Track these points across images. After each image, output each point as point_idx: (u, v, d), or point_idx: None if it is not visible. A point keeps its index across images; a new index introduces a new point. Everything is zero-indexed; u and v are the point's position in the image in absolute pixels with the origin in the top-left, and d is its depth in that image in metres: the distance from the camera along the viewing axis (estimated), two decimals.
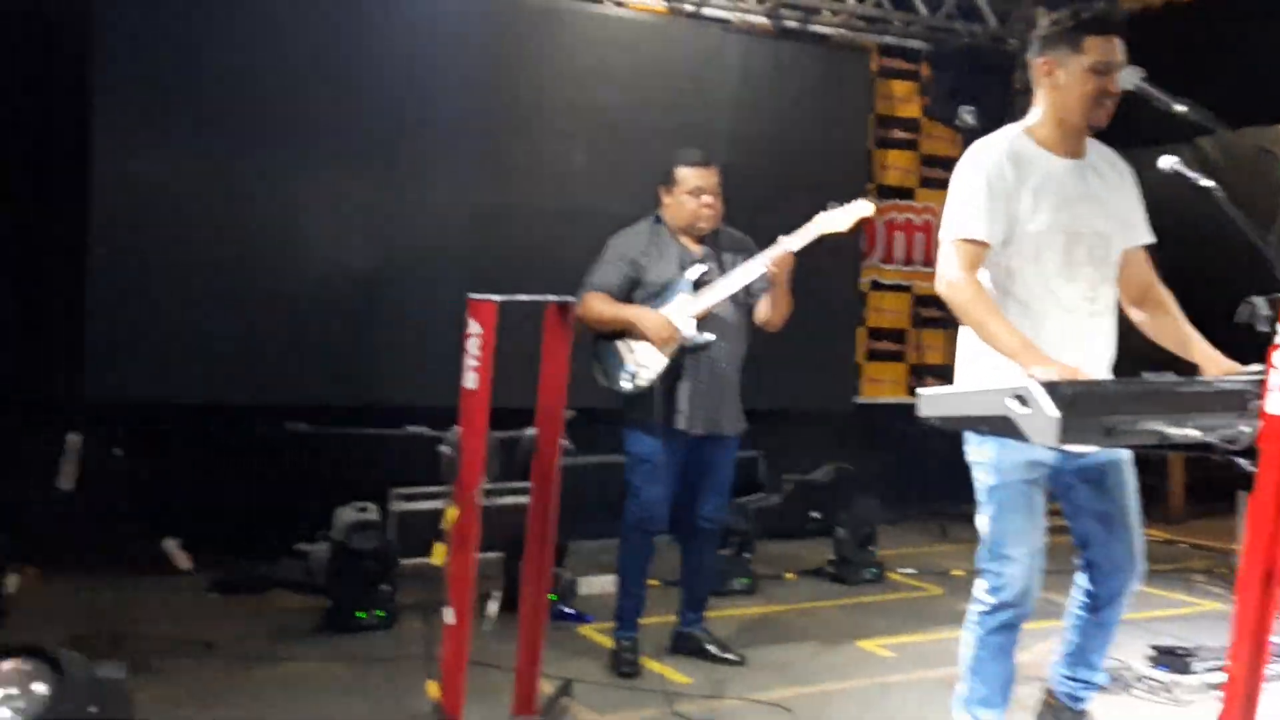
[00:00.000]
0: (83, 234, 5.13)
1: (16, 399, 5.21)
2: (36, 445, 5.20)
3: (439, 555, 3.10)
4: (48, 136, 5.17)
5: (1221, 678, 2.42)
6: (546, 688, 3.67)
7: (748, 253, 4.10)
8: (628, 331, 4.03)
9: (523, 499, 4.54)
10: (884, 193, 7.28)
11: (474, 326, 3.07)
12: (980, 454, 2.94)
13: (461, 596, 3.07)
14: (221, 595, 5.07)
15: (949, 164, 7.81)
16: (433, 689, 3.09)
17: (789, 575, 5.65)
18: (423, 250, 5.74)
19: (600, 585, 5.18)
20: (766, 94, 6.60)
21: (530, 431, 3.28)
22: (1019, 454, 2.84)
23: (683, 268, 4.08)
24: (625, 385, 4.03)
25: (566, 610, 4.71)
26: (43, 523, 5.04)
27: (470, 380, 3.07)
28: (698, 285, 4.04)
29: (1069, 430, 2.18)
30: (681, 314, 3.99)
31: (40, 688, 2.73)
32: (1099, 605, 3.03)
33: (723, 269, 4.08)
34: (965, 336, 2.99)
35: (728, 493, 4.34)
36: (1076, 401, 2.18)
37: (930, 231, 7.39)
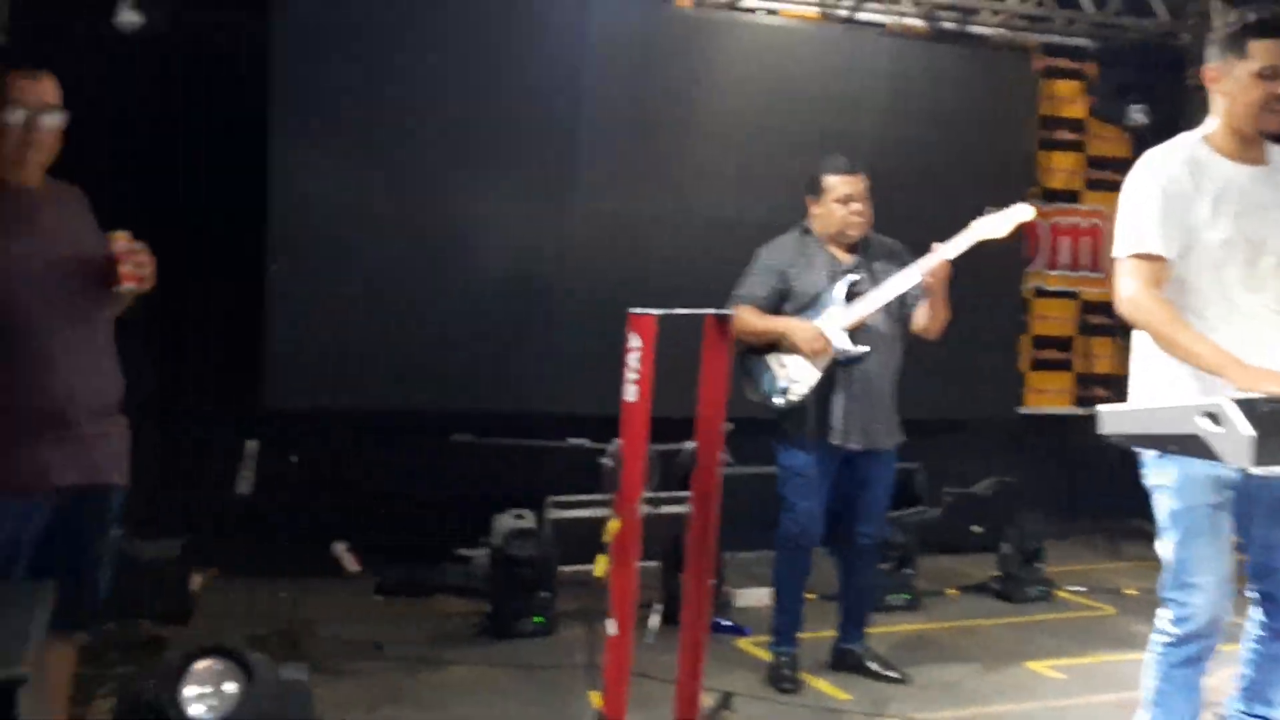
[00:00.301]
0: (261, 248, 5.37)
1: (199, 408, 5.50)
2: (217, 452, 5.47)
3: (600, 566, 3.13)
4: (228, 155, 5.43)
5: None
6: (705, 700, 3.67)
7: (900, 261, 4.02)
8: (778, 344, 3.98)
9: (680, 509, 4.58)
10: (1049, 196, 7.03)
11: (634, 340, 3.09)
12: (1161, 476, 2.79)
13: (624, 608, 3.10)
14: (387, 598, 5.23)
15: (1117, 165, 7.56)
16: (595, 699, 3.12)
17: (951, 591, 5.50)
18: (580, 260, 5.81)
19: (757, 598, 5.14)
20: (923, 98, 6.45)
21: (690, 444, 3.29)
22: (1203, 475, 2.69)
23: (832, 278, 4.02)
24: (777, 400, 3.99)
25: (723, 623, 4.69)
26: (222, 526, 5.29)
27: (630, 393, 3.09)
28: (849, 296, 3.97)
29: (1266, 451, 2.06)
30: (833, 325, 3.93)
31: (231, 687, 2.86)
32: (1273, 639, 2.85)
33: (874, 278, 3.99)
34: (1139, 348, 2.85)
35: (886, 507, 4.26)
36: (1274, 420, 2.06)
37: (1099, 236, 7.10)
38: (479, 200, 5.71)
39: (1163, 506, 2.80)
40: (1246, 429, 2.06)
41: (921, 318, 3.99)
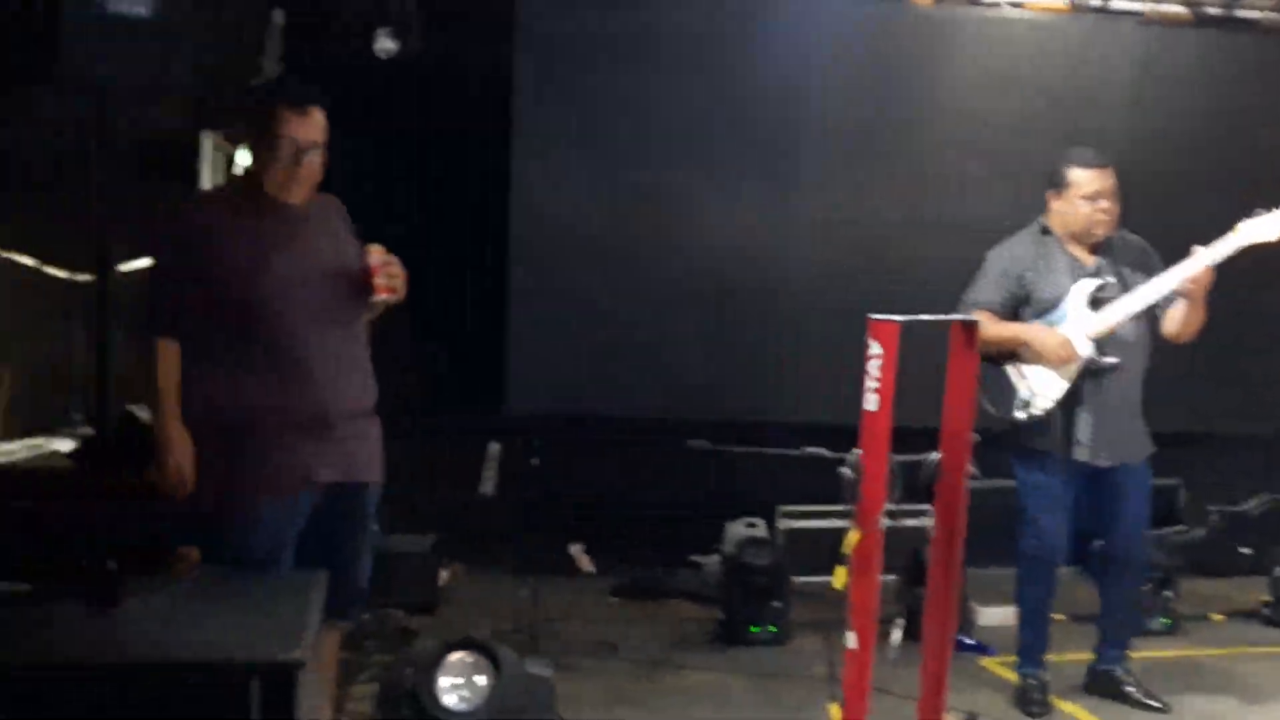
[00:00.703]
0: (503, 257, 5.59)
1: (445, 411, 5.76)
2: (463, 454, 5.71)
3: (840, 578, 3.07)
4: (473, 169, 5.68)
5: None
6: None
7: (1148, 264, 3.76)
8: (1017, 354, 3.76)
9: (920, 521, 4.47)
10: None
11: (875, 347, 3.02)
12: None
13: (864, 621, 3.03)
14: (622, 600, 5.33)
15: None
16: (834, 712, 3.07)
17: (1215, 617, 5.11)
18: (817, 266, 5.75)
19: (1002, 616, 4.92)
20: (1183, 90, 6.03)
21: (934, 455, 3.19)
22: None
23: (1076, 281, 3.76)
24: (1018, 415, 3.76)
25: (966, 641, 4.52)
26: (467, 524, 5.52)
27: (871, 402, 3.02)
28: (1096, 301, 3.71)
29: None
30: (1080, 333, 3.69)
31: (481, 680, 2.98)
32: None
33: (1122, 282, 3.73)
34: None
35: (1144, 523, 3.99)
36: None
37: None
38: (714, 208, 5.72)
39: None
40: None
41: (1174, 322, 3.71)
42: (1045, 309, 3.76)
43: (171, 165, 4.62)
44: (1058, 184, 3.85)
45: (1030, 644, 3.97)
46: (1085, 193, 3.77)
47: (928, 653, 3.21)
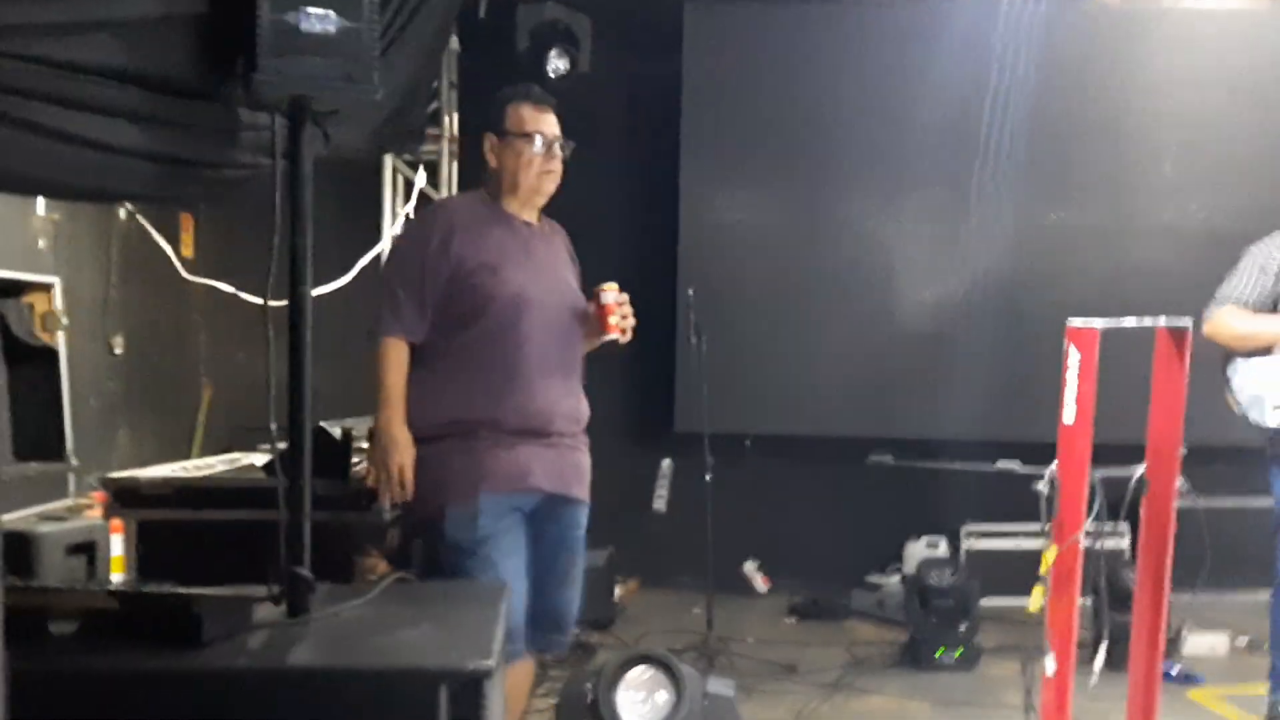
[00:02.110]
0: (673, 275, 5.57)
1: (620, 430, 5.77)
2: (637, 471, 5.71)
3: (1036, 600, 2.90)
4: (641, 184, 5.70)
5: None
6: None
7: None
8: (1271, 350, 3.50)
9: (1118, 541, 4.21)
10: None
11: (1073, 354, 2.85)
12: None
13: (1063, 645, 2.85)
14: (798, 620, 5.21)
15: None
16: None
17: None
18: (1001, 275, 5.54)
19: (1209, 645, 4.61)
20: None
21: (1139, 470, 2.99)
22: None
23: None
24: (1271, 420, 3.48)
25: (1173, 671, 4.23)
26: (641, 540, 5.51)
27: (1069, 414, 2.85)
28: None
29: None
30: None
31: (662, 696, 2.94)
32: None
33: None
34: None
35: None
36: None
37: None
38: (887, 221, 5.61)
39: None
40: None
41: None
42: None
43: (357, 189, 4.78)
44: None
45: None
46: None
47: (1134, 681, 2.99)
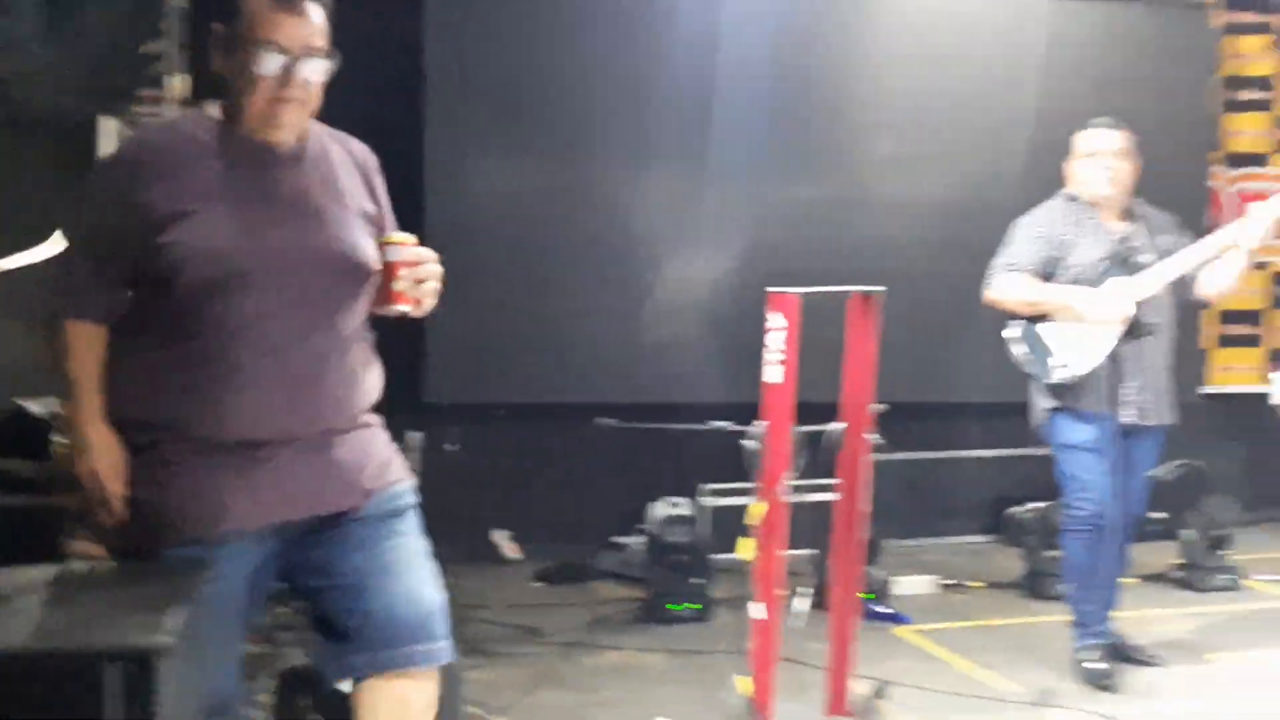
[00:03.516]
0: (419, 243, 5.50)
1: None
2: None
3: (746, 550, 3.09)
4: (383, 149, 5.60)
5: None
6: (861, 688, 3.58)
7: (1175, 233, 3.86)
8: (1053, 315, 3.80)
9: (833, 494, 4.48)
10: (1234, 161, 6.58)
11: (776, 320, 3.04)
12: None
13: (769, 592, 3.05)
14: (546, 585, 5.31)
15: None
16: (743, 684, 3.08)
17: (1128, 580, 5.20)
18: (741, 246, 5.75)
19: (916, 586, 5.00)
20: (1091, 62, 6.14)
21: (836, 426, 3.21)
22: None
23: (1110, 247, 3.81)
24: (1055, 375, 3.78)
25: (881, 610, 4.57)
26: None
27: (773, 374, 3.04)
28: (1131, 265, 3.76)
29: None
30: (1123, 297, 3.72)
31: None
32: None
33: (1155, 248, 3.79)
34: None
35: (1150, 487, 4.03)
36: None
37: None
38: (632, 192, 5.71)
39: None
40: None
41: (1211, 285, 3.79)
42: (1081, 273, 3.79)
43: (68, 151, 4.51)
44: (1070, 150, 3.94)
45: (1089, 614, 3.90)
46: (1087, 150, 3.87)
47: (834, 621, 3.23)
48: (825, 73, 5.94)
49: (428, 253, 2.14)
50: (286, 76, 2.03)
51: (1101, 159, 3.80)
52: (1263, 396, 6.40)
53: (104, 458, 2.05)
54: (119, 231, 2.03)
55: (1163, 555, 5.30)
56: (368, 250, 2.12)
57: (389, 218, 2.28)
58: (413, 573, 2.21)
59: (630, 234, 5.74)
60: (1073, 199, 3.89)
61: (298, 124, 2.10)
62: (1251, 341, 6.68)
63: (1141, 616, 4.68)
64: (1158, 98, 6.13)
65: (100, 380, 2.08)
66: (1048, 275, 3.80)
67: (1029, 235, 3.86)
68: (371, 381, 2.23)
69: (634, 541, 5.28)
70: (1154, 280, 3.69)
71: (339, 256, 2.09)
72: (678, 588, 4.62)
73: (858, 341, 3.18)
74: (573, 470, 5.67)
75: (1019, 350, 3.86)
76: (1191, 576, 5.06)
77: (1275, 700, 3.67)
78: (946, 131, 5.96)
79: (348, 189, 2.17)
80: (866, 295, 3.17)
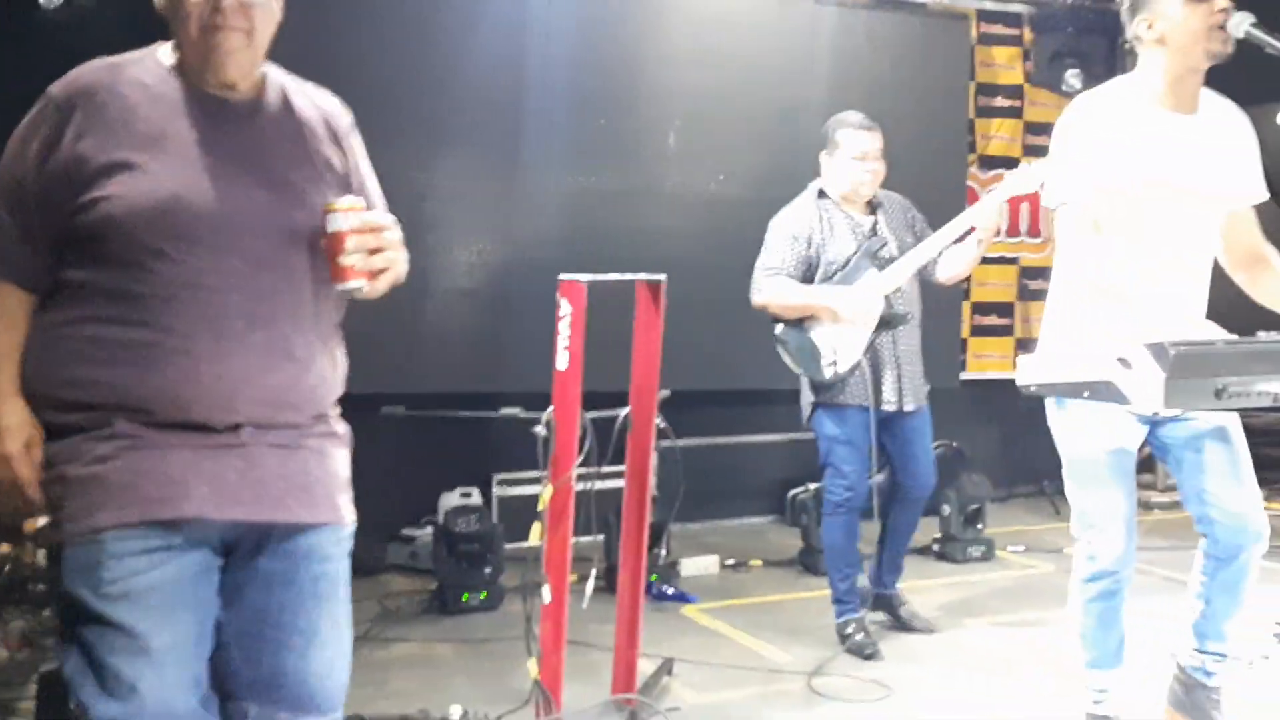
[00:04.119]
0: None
1: None
2: None
3: (535, 535, 3.12)
4: None
5: None
6: (648, 667, 3.68)
7: (913, 219, 4.09)
8: (815, 315, 3.95)
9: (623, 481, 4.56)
10: (986, 163, 7.08)
11: (564, 307, 3.08)
12: (1063, 424, 2.86)
13: (558, 576, 3.09)
14: None
15: (1053, 131, 7.54)
16: (532, 667, 3.12)
17: None
18: (521, 236, 5.78)
19: (703, 566, 5.17)
20: (863, 67, 6.48)
21: (624, 411, 3.29)
22: (1102, 419, 2.75)
23: (859, 241, 4.00)
24: (827, 373, 3.95)
25: (669, 591, 4.71)
26: None
27: (562, 361, 3.08)
28: (879, 259, 3.95)
29: (1175, 392, 2.09)
30: (875, 291, 3.90)
31: None
32: (1220, 566, 2.86)
33: (896, 238, 4.01)
34: (1052, 303, 2.90)
35: (932, 457, 4.26)
36: (1184, 363, 2.08)
37: (1036, 201, 7.17)
38: (417, 174, 5.63)
39: (1065, 453, 2.87)
40: (1157, 372, 2.08)
41: (949, 269, 4.02)
42: (835, 270, 3.96)
43: None
44: (829, 144, 4.06)
45: (848, 590, 4.13)
46: (854, 153, 4.00)
47: (621, 602, 3.31)
48: (615, 67, 6.04)
49: (381, 218, 1.86)
50: (217, 4, 1.79)
51: (869, 162, 4.01)
52: (1013, 382, 6.93)
53: (15, 440, 1.79)
54: (45, 181, 1.79)
55: (924, 530, 5.66)
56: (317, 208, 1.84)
57: (368, 182, 2.05)
58: (333, 640, 1.93)
59: (419, 221, 5.66)
60: (823, 194, 4.08)
61: (245, 65, 1.86)
62: (1004, 331, 7.22)
63: (905, 587, 4.99)
64: (921, 101, 6.54)
65: (19, 354, 1.83)
66: (807, 274, 4.00)
67: (784, 237, 4.03)
68: (341, 375, 2.01)
69: (424, 533, 5.24)
70: (901, 272, 3.93)
71: (297, 220, 1.84)
72: (468, 578, 4.61)
73: (644, 328, 3.26)
74: (360, 462, 5.53)
75: (789, 354, 4.06)
76: (949, 548, 5.44)
77: (1024, 660, 3.99)
78: (722, 129, 6.16)
79: (312, 146, 1.93)
80: (652, 283, 3.25)
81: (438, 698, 3.64)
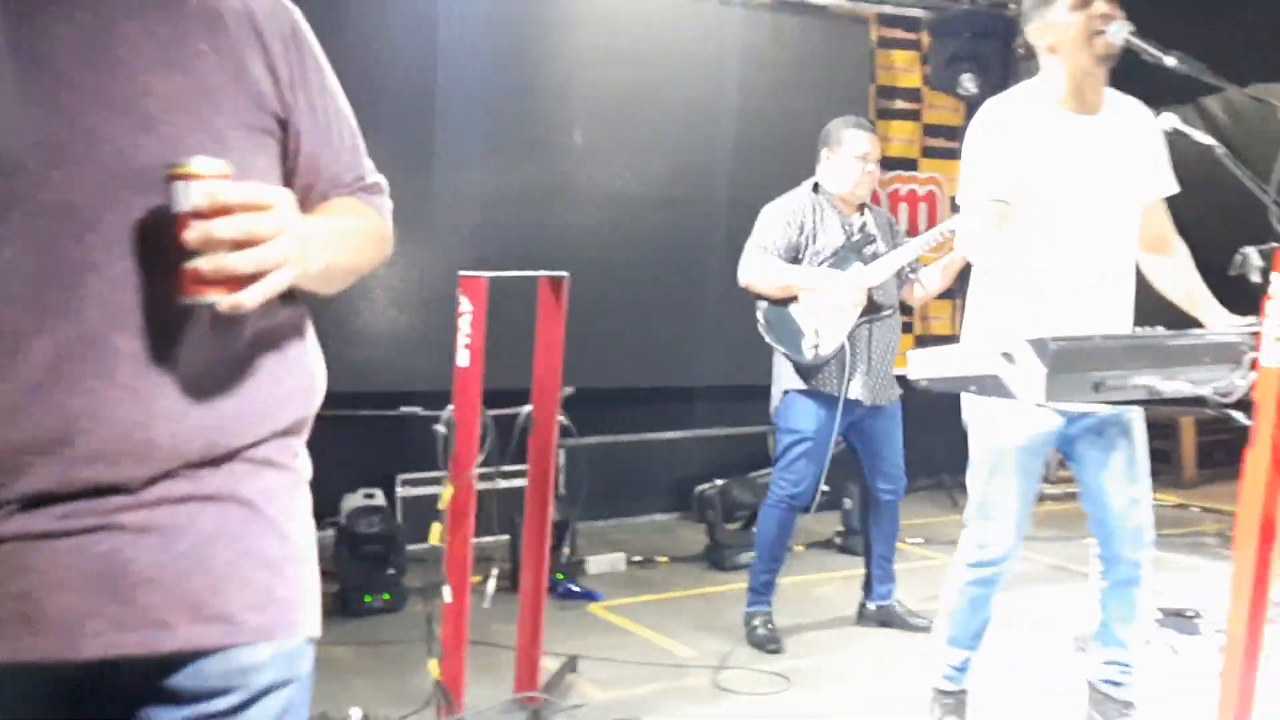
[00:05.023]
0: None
1: None
2: None
3: (435, 534, 3.10)
4: None
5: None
6: (553, 665, 3.68)
7: (895, 229, 4.19)
8: (800, 297, 3.98)
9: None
10: (887, 164, 7.13)
11: (465, 304, 3.06)
12: (976, 416, 2.92)
13: (459, 575, 3.07)
14: None
15: (951, 133, 7.76)
16: (433, 667, 3.09)
17: (798, 548, 5.63)
18: (424, 232, 5.72)
19: (610, 564, 5.18)
20: (768, 67, 6.56)
21: (526, 408, 3.28)
22: (1017, 415, 2.82)
23: (849, 236, 4.05)
24: (808, 355, 3.97)
25: (575, 589, 4.71)
26: None
27: (462, 358, 3.06)
28: (865, 255, 4.01)
29: (1056, 386, 2.15)
30: (863, 281, 3.96)
31: None
32: (1112, 568, 2.96)
33: (882, 239, 4.07)
34: (972, 299, 2.96)
35: (902, 458, 4.30)
36: (1063, 357, 2.14)
37: (934, 202, 7.33)
38: None
39: (973, 443, 2.94)
40: (1038, 366, 2.14)
41: (925, 286, 4.13)
42: (822, 259, 4.01)
43: None
44: (832, 142, 4.12)
45: (766, 584, 4.17)
46: (857, 153, 4.06)
47: (523, 600, 3.30)
48: (524, 64, 6.02)
49: (249, 194, 1.11)
50: None
51: (869, 163, 4.09)
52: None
53: None
54: None
55: (826, 524, 5.76)
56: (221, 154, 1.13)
57: (319, 118, 1.33)
58: None
59: None
60: (818, 189, 4.14)
61: None
62: (904, 329, 7.34)
63: (807, 580, 5.08)
64: (824, 103, 6.62)
65: None
66: (793, 260, 4.04)
67: (777, 220, 4.07)
68: (275, 391, 1.26)
69: (324, 535, 5.15)
70: (886, 268, 4.01)
71: (139, 157, 1.14)
72: (371, 579, 4.55)
73: (546, 325, 3.26)
74: None
75: (771, 332, 4.07)
76: (851, 542, 5.52)
77: (922, 650, 4.07)
78: (632, 126, 6.18)
79: (204, 45, 1.20)
80: (554, 279, 3.25)
81: (337, 700, 3.59)
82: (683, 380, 6.37)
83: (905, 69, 7.24)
